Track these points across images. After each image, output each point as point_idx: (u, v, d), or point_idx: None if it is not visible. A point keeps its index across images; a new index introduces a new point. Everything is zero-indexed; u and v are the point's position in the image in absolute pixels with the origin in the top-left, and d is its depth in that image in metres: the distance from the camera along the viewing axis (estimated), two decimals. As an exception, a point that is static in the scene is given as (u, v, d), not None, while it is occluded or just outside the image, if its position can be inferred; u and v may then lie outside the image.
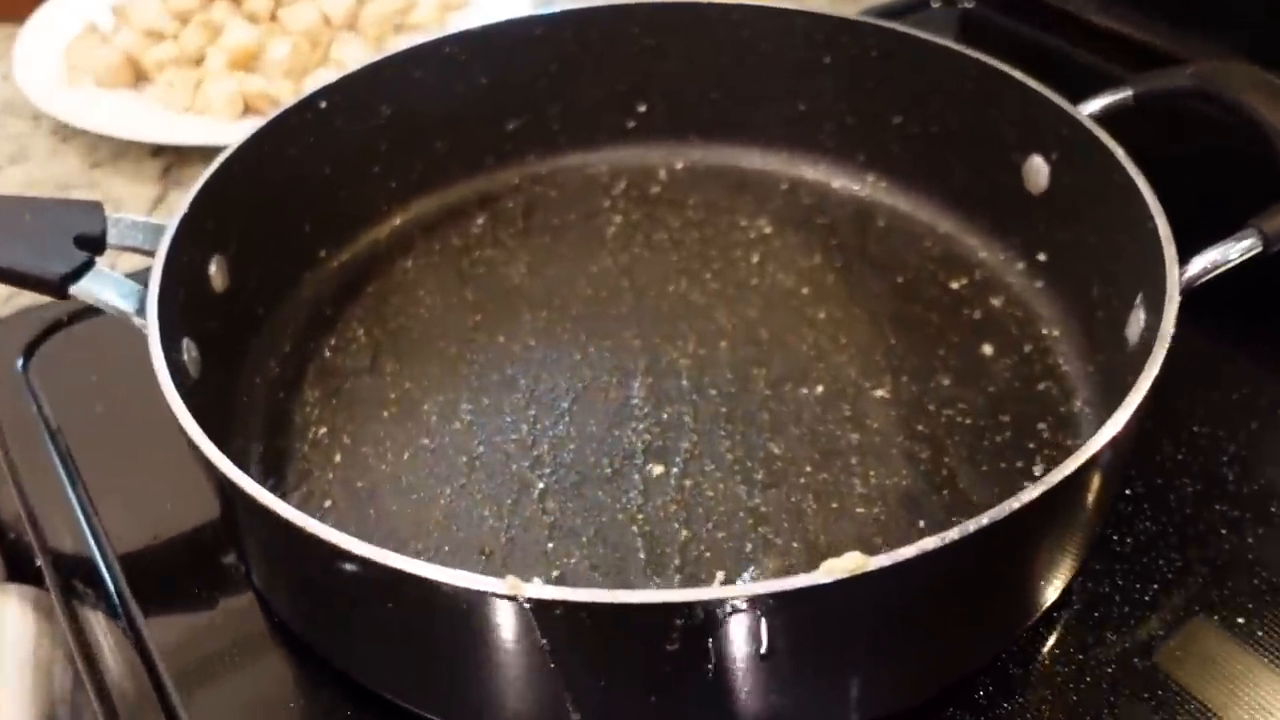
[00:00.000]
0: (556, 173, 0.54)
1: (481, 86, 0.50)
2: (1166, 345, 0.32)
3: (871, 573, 0.26)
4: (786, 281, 0.47)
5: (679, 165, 0.54)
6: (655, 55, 0.52)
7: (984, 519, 0.27)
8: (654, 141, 0.54)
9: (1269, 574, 0.36)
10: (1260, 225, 0.35)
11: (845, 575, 0.25)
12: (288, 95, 0.58)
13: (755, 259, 0.49)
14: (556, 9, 0.50)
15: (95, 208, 0.38)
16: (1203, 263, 0.35)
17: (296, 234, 0.46)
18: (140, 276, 0.36)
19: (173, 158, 0.57)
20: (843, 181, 0.52)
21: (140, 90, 0.59)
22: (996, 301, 0.46)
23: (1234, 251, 0.35)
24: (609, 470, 0.39)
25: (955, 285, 0.47)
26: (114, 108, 0.57)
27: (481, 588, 0.25)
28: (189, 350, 0.37)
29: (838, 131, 0.52)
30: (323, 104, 0.45)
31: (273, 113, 0.43)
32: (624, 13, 0.51)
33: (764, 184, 0.53)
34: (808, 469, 0.39)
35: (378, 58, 0.47)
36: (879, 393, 0.42)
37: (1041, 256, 0.45)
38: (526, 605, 0.25)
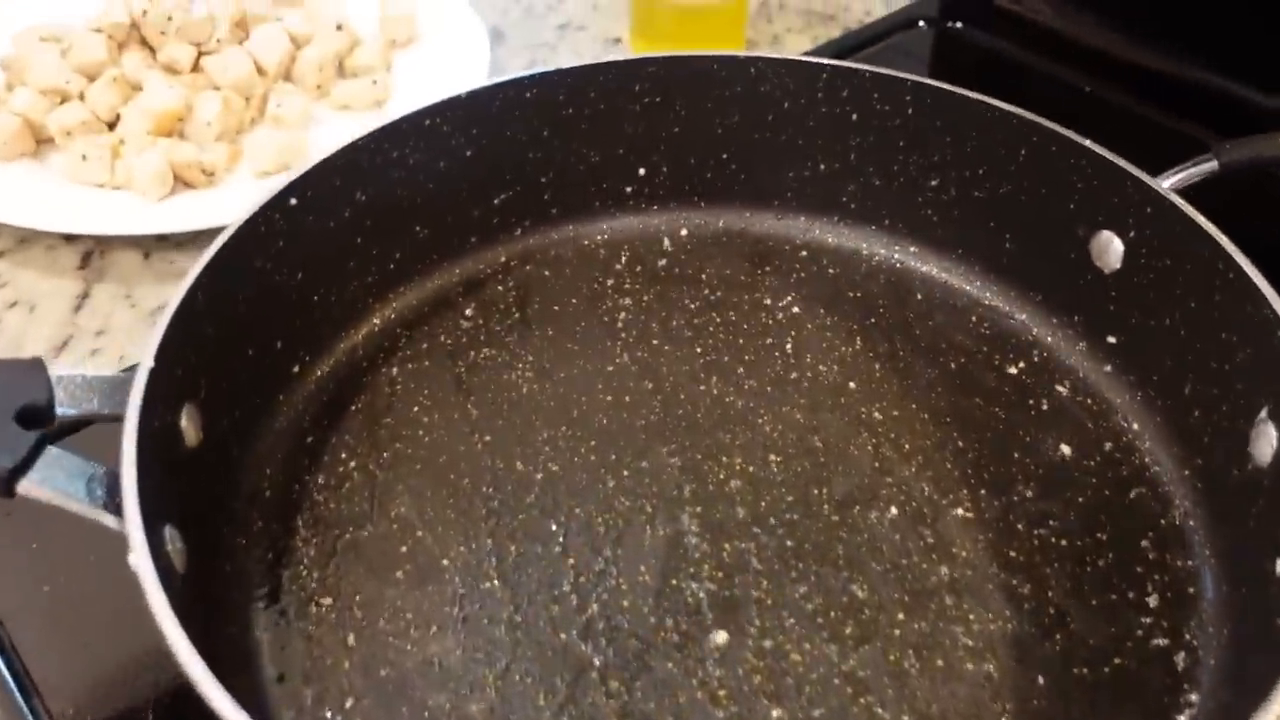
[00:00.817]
0: (549, 246, 0.47)
1: (466, 159, 0.44)
2: None
3: None
4: (829, 374, 0.42)
5: (684, 232, 0.49)
6: (658, 114, 0.46)
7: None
8: (655, 207, 0.48)
9: None
10: None
11: None
12: (225, 165, 0.50)
13: (789, 346, 0.44)
14: (550, 68, 0.44)
15: (35, 368, 0.30)
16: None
17: (268, 353, 0.39)
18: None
19: (94, 242, 0.49)
20: (869, 247, 0.47)
21: (44, 159, 0.51)
22: (1063, 389, 0.41)
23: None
24: (675, 635, 0.34)
25: (1014, 370, 0.42)
26: (14, 185, 0.49)
27: None
28: (172, 541, 0.30)
29: (862, 193, 0.47)
30: (292, 201, 0.38)
31: (236, 222, 0.36)
32: (626, 70, 0.45)
33: (781, 252, 0.48)
34: (900, 616, 0.34)
35: (352, 139, 0.40)
36: (959, 511, 0.37)
37: (1112, 339, 0.41)
38: None
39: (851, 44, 0.63)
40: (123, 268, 0.48)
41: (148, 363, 0.31)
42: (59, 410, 0.30)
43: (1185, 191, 0.38)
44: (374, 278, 0.43)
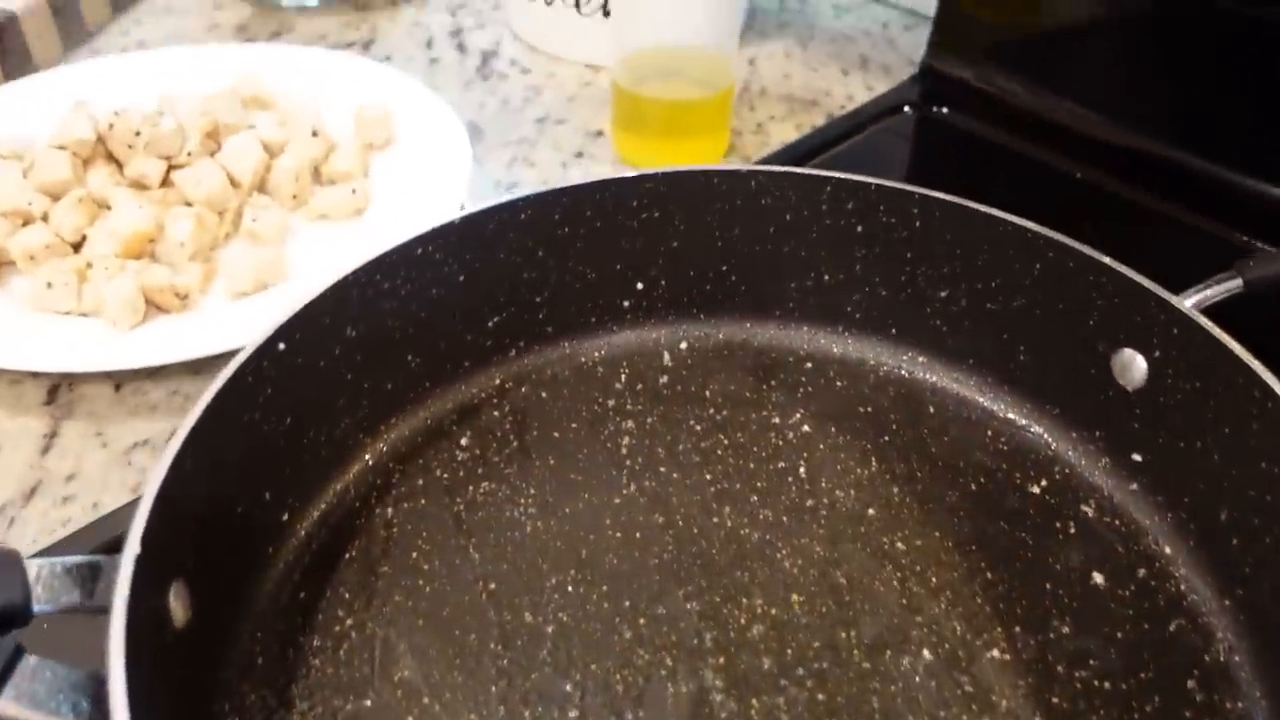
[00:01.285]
0: (546, 366, 0.46)
1: (459, 284, 0.42)
2: None
3: None
4: (847, 500, 0.41)
5: (683, 345, 0.47)
6: (656, 229, 0.44)
7: None
8: (654, 321, 0.47)
9: None
10: None
11: None
12: (199, 286, 0.48)
13: (802, 470, 0.42)
14: (547, 188, 0.42)
15: (9, 564, 0.28)
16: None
17: (257, 506, 0.37)
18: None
19: (61, 374, 0.46)
20: (877, 358, 0.46)
21: (5, 285, 0.48)
22: (1088, 509, 0.40)
23: None
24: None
25: (1036, 490, 0.41)
26: (-26, 315, 0.46)
27: None
28: (163, 748, 0.28)
29: (867, 303, 0.45)
30: (281, 346, 0.36)
31: (221, 378, 0.34)
32: (623, 187, 0.43)
33: (786, 364, 0.46)
34: (948, 779, 0.32)
35: (343, 274, 0.38)
36: (994, 653, 0.35)
37: (1137, 457, 0.40)
38: None
39: (837, 132, 0.62)
40: (93, 402, 0.45)
41: (133, 549, 0.29)
42: (36, 608, 0.28)
43: (1216, 313, 0.37)
44: (365, 412, 0.41)
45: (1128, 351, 0.39)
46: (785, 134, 0.63)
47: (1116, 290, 0.38)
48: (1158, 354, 0.38)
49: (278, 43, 0.70)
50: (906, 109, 0.63)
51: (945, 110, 0.63)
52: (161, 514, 0.30)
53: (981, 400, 0.44)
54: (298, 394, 0.37)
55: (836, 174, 0.43)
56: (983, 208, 0.41)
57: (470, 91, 0.66)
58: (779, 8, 0.76)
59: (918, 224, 0.42)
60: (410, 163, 0.56)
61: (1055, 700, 0.34)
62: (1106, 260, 0.38)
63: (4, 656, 0.26)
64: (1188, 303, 0.37)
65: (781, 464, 0.42)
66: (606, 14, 0.66)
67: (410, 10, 0.75)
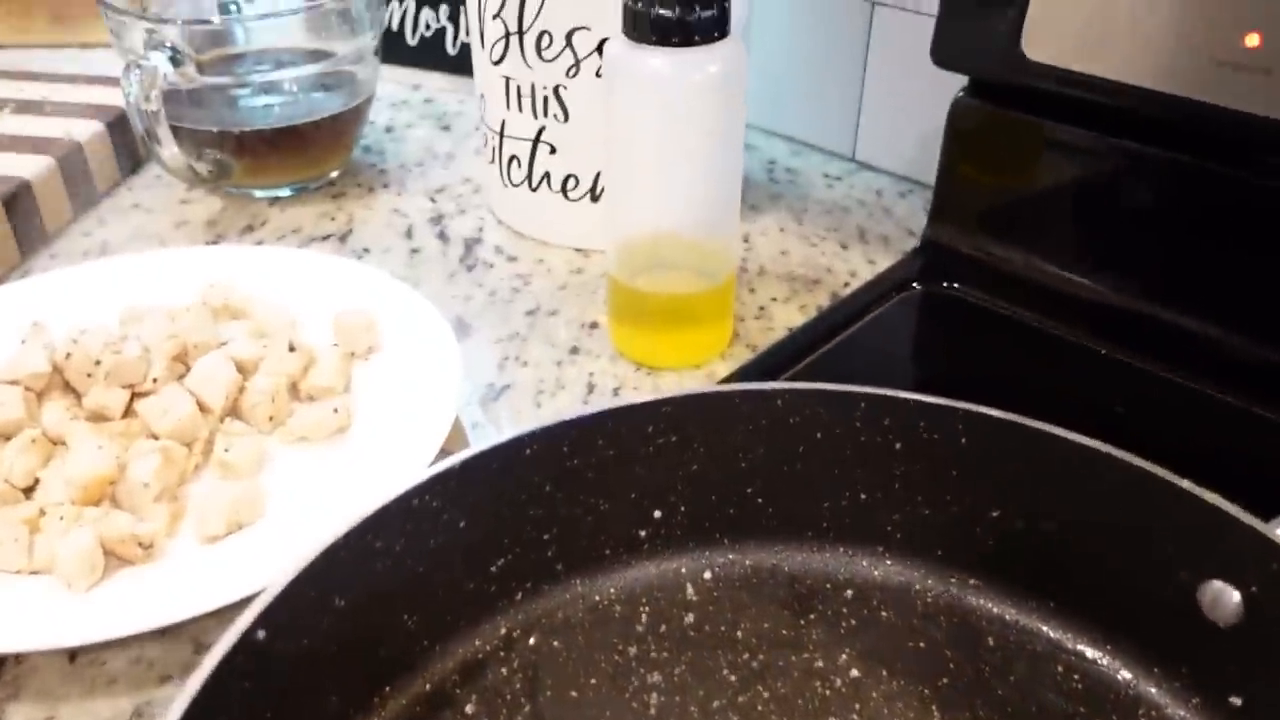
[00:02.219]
0: (557, 609, 0.41)
1: (459, 530, 0.37)
2: None
3: None
4: (907, 762, 0.36)
5: (707, 576, 0.42)
6: (674, 455, 0.40)
7: None
8: (674, 551, 0.42)
9: None
10: None
11: None
12: (162, 528, 0.43)
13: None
14: (554, 420, 0.38)
15: None
16: None
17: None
18: None
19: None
20: (923, 582, 0.41)
21: (-53, 538, 0.43)
22: (1187, 764, 0.35)
23: None
24: None
25: (1124, 738, 0.36)
26: (-89, 580, 0.41)
27: None
28: None
29: (909, 523, 0.41)
30: (260, 635, 0.31)
31: (192, 686, 0.29)
32: (640, 412, 0.39)
33: (823, 592, 0.41)
34: None
35: (329, 541, 0.33)
36: None
37: (1236, 700, 0.35)
38: None
39: (846, 313, 0.58)
40: (44, 676, 0.40)
41: None
42: None
43: (1303, 531, 0.33)
44: (356, 686, 0.36)
45: (1216, 584, 0.35)
46: (789, 317, 0.60)
47: (1196, 516, 0.34)
48: (1254, 589, 0.34)
49: (250, 237, 0.67)
50: (915, 285, 0.61)
51: (955, 285, 0.60)
52: None
53: (1047, 630, 0.39)
54: (279, 683, 0.32)
55: (869, 389, 0.39)
56: (1035, 423, 0.37)
57: (455, 283, 0.63)
58: (768, 179, 0.74)
59: (963, 440, 0.39)
60: (396, 372, 0.52)
61: None
62: (1184, 484, 0.34)
63: None
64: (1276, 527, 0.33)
65: (832, 719, 0.37)
66: (595, 199, 0.63)
67: (387, 196, 0.72)
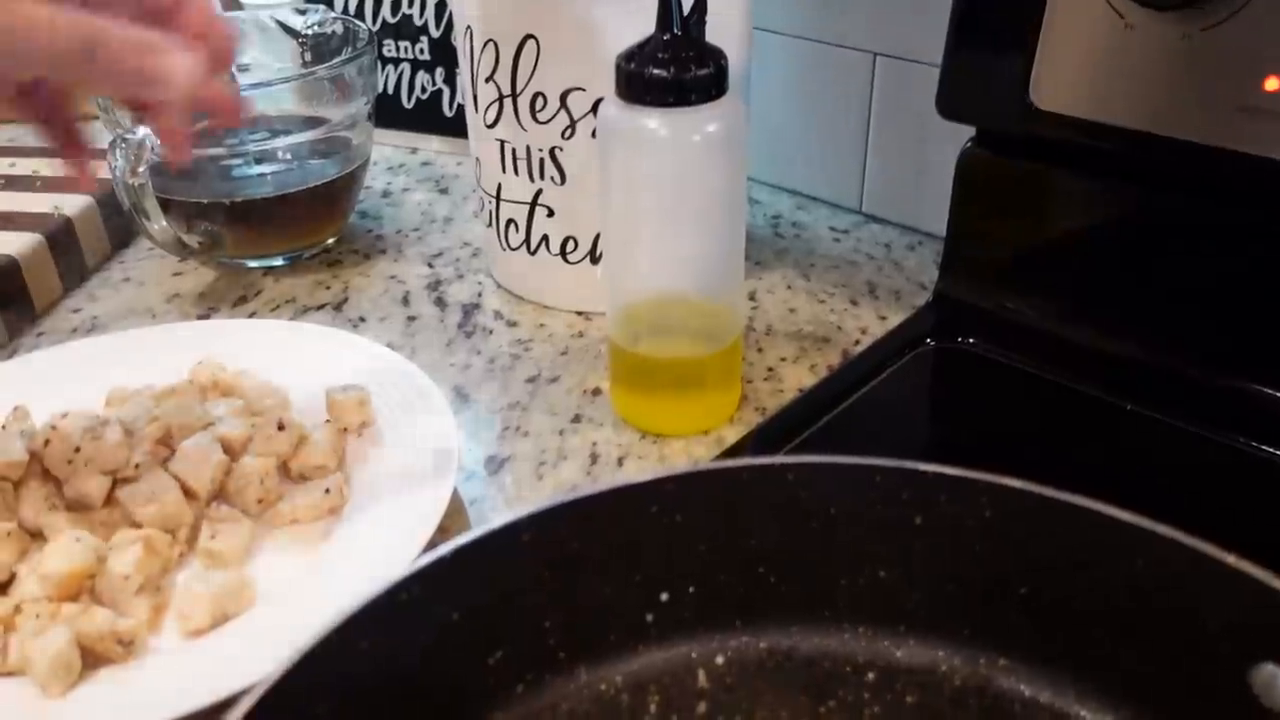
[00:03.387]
0: (560, 701, 0.38)
1: (452, 625, 0.35)
2: None
3: None
4: None
5: (719, 661, 0.40)
6: (680, 535, 0.38)
7: None
8: (683, 635, 0.39)
9: None
10: None
11: None
12: (143, 624, 0.41)
13: (880, 826, 0.34)
14: (551, 502, 0.36)
15: None
16: None
17: None
18: None
19: (-24, 750, 0.38)
20: (949, 663, 0.39)
21: (-80, 641, 0.41)
22: None
23: None
24: None
25: (1177, 840, 0.33)
26: (-123, 686, 0.39)
27: None
28: None
29: (931, 600, 0.39)
30: (241, 743, 0.29)
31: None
32: (642, 492, 0.37)
33: (843, 675, 0.39)
34: None
35: (310, 644, 0.31)
36: None
37: (1297, 794, 0.33)
38: None
39: (858, 373, 0.56)
40: (15, 789, 0.37)
41: None
42: None
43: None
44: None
45: (1269, 667, 0.32)
46: (800, 377, 0.58)
47: (1245, 595, 0.32)
48: (1311, 672, 0.31)
49: (243, 309, 0.66)
50: (928, 341, 0.58)
51: (969, 340, 0.58)
52: None
53: (1085, 713, 0.37)
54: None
55: (885, 462, 0.37)
56: (1064, 495, 0.35)
57: (453, 351, 0.61)
58: (774, 234, 0.72)
59: (987, 513, 0.36)
60: (392, 448, 0.50)
61: None
62: (1230, 559, 0.32)
63: None
64: (1337, 607, 0.31)
65: (855, 822, 0.34)
66: (595, 260, 0.62)
67: (384, 262, 0.71)
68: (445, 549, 0.34)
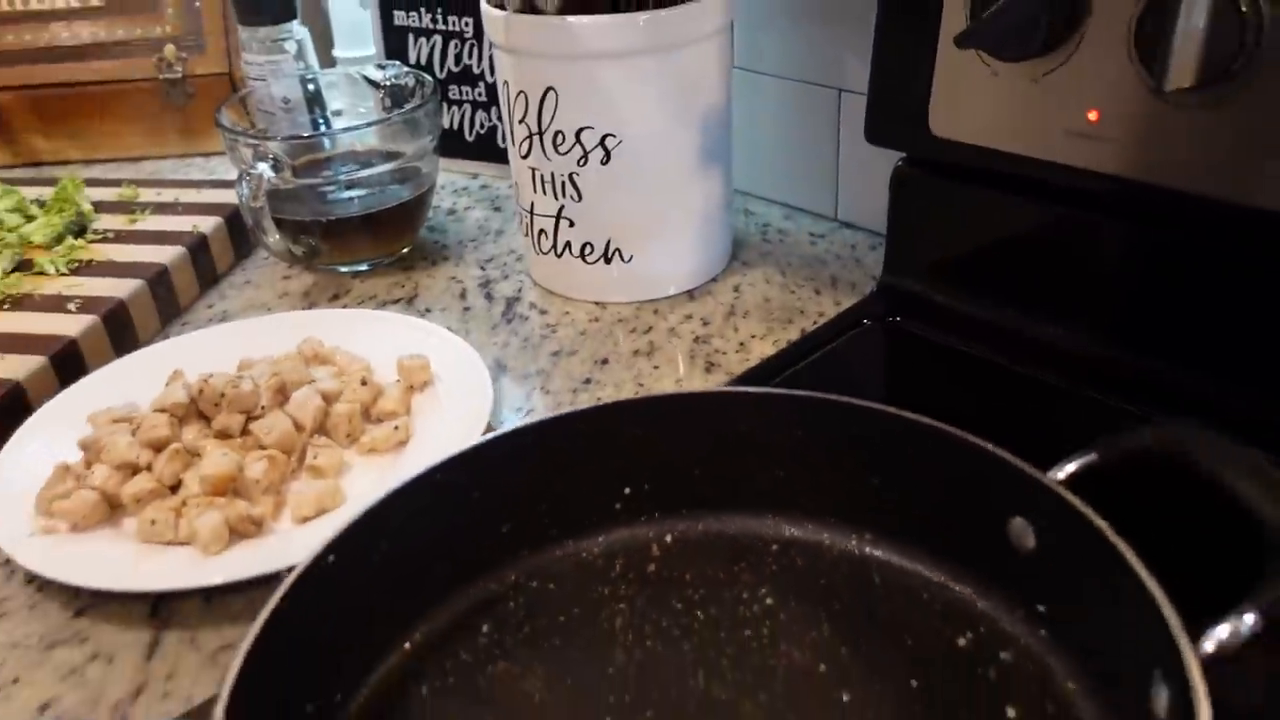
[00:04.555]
0: (552, 563, 0.55)
1: (474, 501, 0.52)
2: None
3: None
4: (802, 659, 0.48)
5: (669, 538, 0.56)
6: (642, 444, 0.54)
7: None
8: (643, 519, 0.56)
9: None
10: (1257, 603, 0.38)
11: None
12: (271, 514, 0.58)
13: (766, 636, 0.50)
14: (548, 415, 0.52)
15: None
16: (1213, 643, 0.37)
17: (312, 688, 0.46)
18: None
19: (161, 594, 0.56)
20: (831, 539, 0.54)
21: (117, 524, 0.59)
22: (1006, 655, 0.47)
23: (1242, 630, 0.37)
24: None
25: (963, 642, 0.48)
26: (93, 552, 0.57)
27: None
28: None
29: (818, 493, 0.54)
30: (331, 559, 0.46)
31: (282, 587, 0.44)
32: (613, 411, 0.53)
33: (756, 549, 0.55)
34: None
35: (373, 502, 0.48)
36: (922, 780, 0.42)
37: (1041, 608, 0.47)
38: None
39: (810, 345, 0.72)
40: (187, 614, 0.55)
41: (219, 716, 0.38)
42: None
43: (1080, 484, 0.45)
44: (400, 613, 0.50)
45: (1018, 520, 0.47)
46: (764, 350, 0.73)
47: (1001, 470, 0.47)
48: (1042, 522, 0.46)
49: (337, 304, 0.84)
50: (866, 321, 0.74)
51: (898, 319, 0.73)
52: (238, 692, 0.39)
53: (919, 569, 0.52)
54: (342, 602, 0.47)
55: (781, 391, 0.53)
56: (892, 410, 0.50)
57: (497, 333, 0.78)
58: (762, 239, 0.88)
59: (850, 427, 0.52)
60: (444, 400, 0.67)
61: (971, 818, 0.41)
62: (989, 447, 0.47)
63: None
64: (1057, 475, 0.45)
65: (747, 632, 0.50)
66: (608, 261, 0.78)
67: (448, 266, 0.88)
68: (471, 444, 0.51)
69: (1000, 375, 0.67)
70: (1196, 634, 0.38)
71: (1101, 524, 0.42)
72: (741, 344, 0.74)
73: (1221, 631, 0.37)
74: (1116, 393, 0.64)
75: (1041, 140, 0.62)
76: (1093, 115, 0.60)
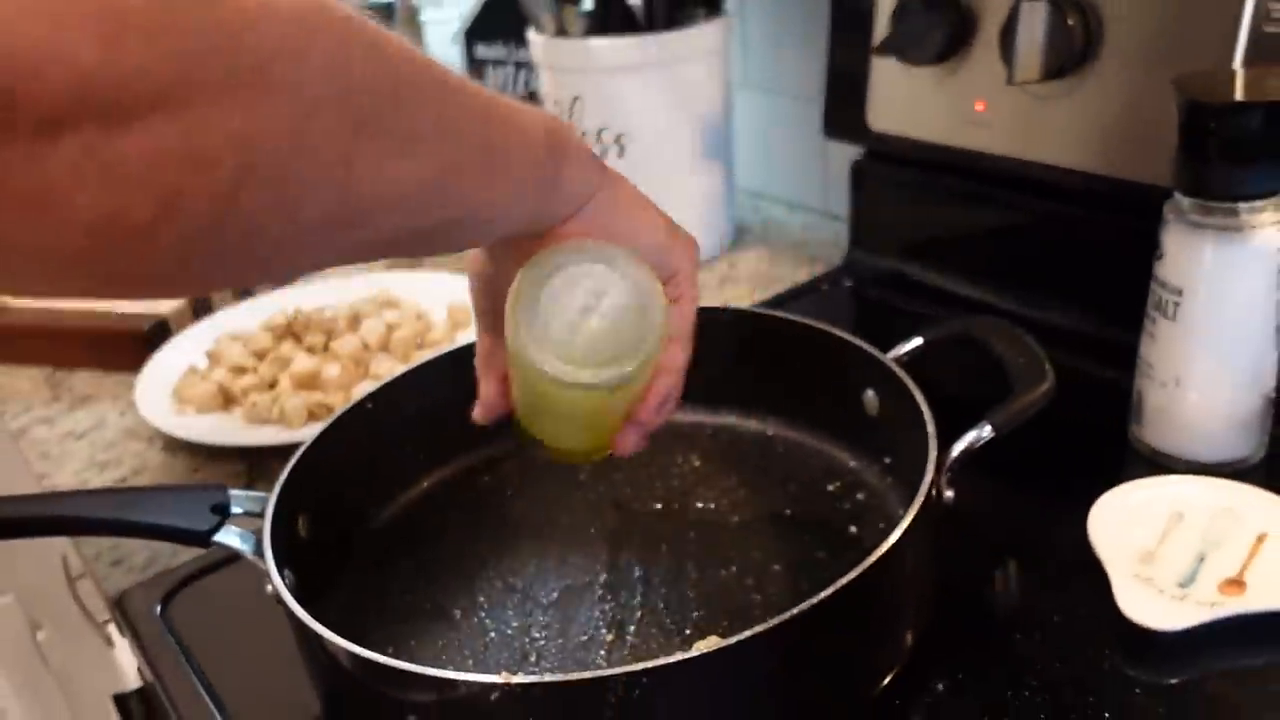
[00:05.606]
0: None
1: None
2: (922, 498, 0.49)
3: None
4: (710, 498, 0.65)
5: (631, 424, 0.73)
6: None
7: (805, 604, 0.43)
8: (611, 408, 0.73)
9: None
10: (991, 419, 0.53)
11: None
12: (340, 404, 0.77)
13: (688, 484, 0.66)
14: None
15: (222, 488, 0.56)
16: (962, 444, 0.53)
17: (352, 499, 0.64)
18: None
19: (255, 458, 0.76)
20: (749, 424, 0.71)
21: (230, 412, 0.79)
22: (860, 496, 0.63)
23: (980, 437, 0.53)
24: (583, 638, 0.55)
25: (831, 488, 0.64)
26: (211, 426, 0.77)
27: (489, 679, 0.42)
28: (288, 578, 0.54)
29: (737, 389, 0.70)
30: (369, 405, 0.65)
31: (331, 417, 0.62)
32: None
33: (695, 432, 0.71)
34: (724, 624, 0.55)
35: (404, 369, 0.67)
36: (775, 567, 0.58)
37: (887, 460, 0.63)
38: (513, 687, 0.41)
39: (781, 298, 0.88)
40: (274, 473, 0.74)
41: (277, 488, 0.56)
42: (234, 508, 0.55)
43: (912, 361, 0.61)
44: (423, 459, 0.68)
45: (869, 392, 0.63)
46: (744, 305, 0.90)
47: (854, 353, 0.62)
48: (880, 389, 0.62)
49: (412, 269, 1.04)
50: (825, 287, 0.90)
51: (851, 284, 0.89)
52: (294, 476, 0.58)
53: (811, 442, 0.68)
54: (379, 438, 0.65)
55: (717, 306, 0.70)
56: (762, 310, 0.67)
57: (534, 294, 0.97)
58: (762, 228, 1.05)
59: (748, 331, 0.68)
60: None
61: (804, 588, 0.57)
62: (844, 335, 0.63)
63: (216, 522, 0.54)
64: (892, 355, 0.61)
65: (675, 482, 0.67)
66: (624, 237, 0.96)
67: (504, 248, 1.08)
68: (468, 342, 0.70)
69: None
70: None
71: (911, 384, 0.57)
72: (726, 301, 0.91)
73: (966, 438, 0.53)
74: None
75: (944, 126, 0.78)
76: (980, 106, 0.75)
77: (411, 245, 0.39)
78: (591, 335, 0.46)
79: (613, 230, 0.46)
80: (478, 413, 0.56)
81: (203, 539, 0.54)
